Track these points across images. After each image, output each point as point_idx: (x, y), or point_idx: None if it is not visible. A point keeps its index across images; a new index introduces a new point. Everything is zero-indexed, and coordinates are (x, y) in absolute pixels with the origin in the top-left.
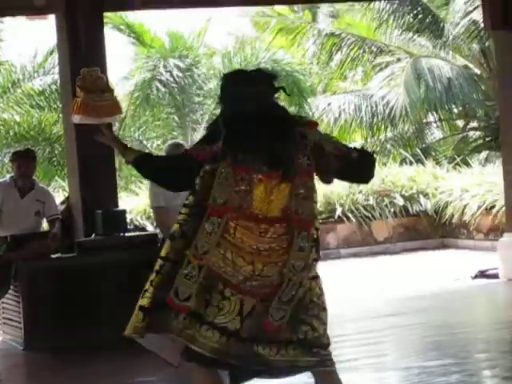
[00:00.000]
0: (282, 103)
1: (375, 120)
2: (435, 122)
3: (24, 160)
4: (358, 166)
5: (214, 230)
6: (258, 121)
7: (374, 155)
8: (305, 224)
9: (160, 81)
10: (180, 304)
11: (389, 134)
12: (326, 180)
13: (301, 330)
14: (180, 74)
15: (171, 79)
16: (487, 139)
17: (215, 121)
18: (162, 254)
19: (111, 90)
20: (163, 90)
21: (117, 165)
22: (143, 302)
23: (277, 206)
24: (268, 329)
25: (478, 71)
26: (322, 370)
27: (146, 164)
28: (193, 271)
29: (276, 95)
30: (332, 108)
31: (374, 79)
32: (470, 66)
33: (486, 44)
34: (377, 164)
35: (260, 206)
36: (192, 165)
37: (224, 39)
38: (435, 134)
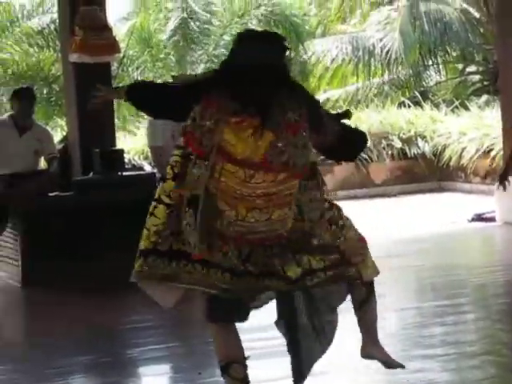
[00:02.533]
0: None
1: (372, 62)
2: (433, 65)
3: (24, 98)
4: (350, 147)
5: (202, 173)
6: (252, 69)
7: (367, 136)
8: (297, 174)
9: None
10: (194, 252)
11: (386, 77)
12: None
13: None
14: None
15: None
16: (485, 83)
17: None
18: (156, 196)
19: (110, 29)
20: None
21: (115, 105)
22: (142, 244)
23: (261, 152)
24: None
25: (477, 15)
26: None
27: (135, 94)
28: (190, 219)
29: (283, 57)
30: (329, 50)
31: (371, 21)
32: (470, 9)
33: None
34: (374, 108)
35: (245, 150)
36: (183, 103)
37: None
38: (433, 77)
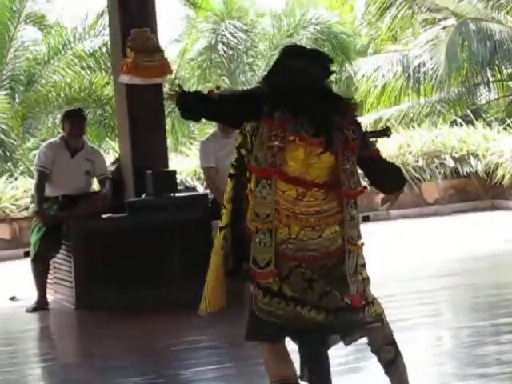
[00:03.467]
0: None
1: (422, 81)
2: (484, 83)
3: (74, 119)
4: (384, 177)
5: (268, 193)
6: (304, 91)
7: (401, 169)
8: (355, 194)
9: (223, 43)
10: (262, 272)
11: (438, 96)
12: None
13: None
14: (242, 36)
15: (235, 41)
16: None
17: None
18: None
19: (161, 51)
20: (230, 52)
21: (168, 126)
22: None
23: (316, 171)
24: (354, 303)
25: None
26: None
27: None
28: (265, 237)
29: (328, 78)
30: (379, 67)
31: (420, 40)
32: None
33: None
34: (427, 127)
35: (298, 169)
36: (238, 114)
37: (274, 0)
38: (486, 95)
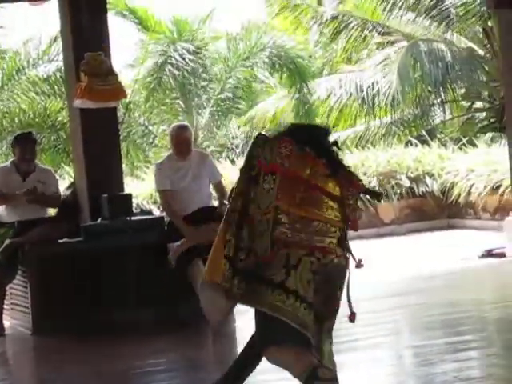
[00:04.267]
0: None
1: (376, 101)
2: (438, 104)
3: (25, 143)
4: None
5: (270, 187)
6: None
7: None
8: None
9: (172, 64)
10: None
11: (393, 117)
12: None
13: None
14: (192, 57)
15: (183, 62)
16: (492, 120)
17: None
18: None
19: (115, 74)
20: (176, 73)
21: (123, 150)
22: (228, 251)
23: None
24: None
25: (481, 52)
26: None
27: None
28: (264, 226)
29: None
30: (333, 89)
31: (374, 61)
32: (474, 47)
33: (489, 24)
34: (382, 147)
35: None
36: None
37: (229, 24)
38: (440, 115)
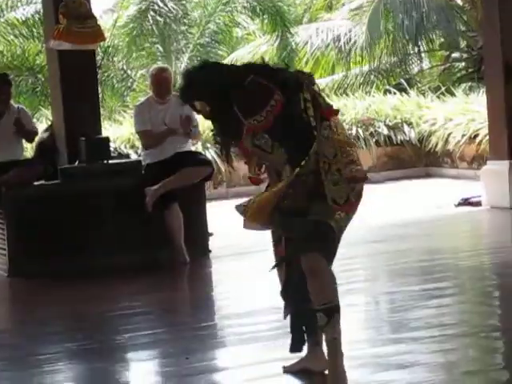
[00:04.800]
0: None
1: (353, 50)
2: (415, 53)
3: (0, 84)
4: None
5: (328, 134)
6: None
7: None
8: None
9: (155, 11)
10: (342, 207)
11: (371, 65)
12: None
13: None
14: (173, 3)
15: (166, 9)
16: (470, 70)
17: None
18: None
19: (94, 18)
20: (159, 19)
21: (101, 94)
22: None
23: None
24: None
25: (460, 2)
26: None
27: None
28: (335, 176)
29: None
30: (310, 37)
31: (349, 9)
32: None
33: None
34: (358, 95)
35: None
36: None
37: None
38: (419, 65)
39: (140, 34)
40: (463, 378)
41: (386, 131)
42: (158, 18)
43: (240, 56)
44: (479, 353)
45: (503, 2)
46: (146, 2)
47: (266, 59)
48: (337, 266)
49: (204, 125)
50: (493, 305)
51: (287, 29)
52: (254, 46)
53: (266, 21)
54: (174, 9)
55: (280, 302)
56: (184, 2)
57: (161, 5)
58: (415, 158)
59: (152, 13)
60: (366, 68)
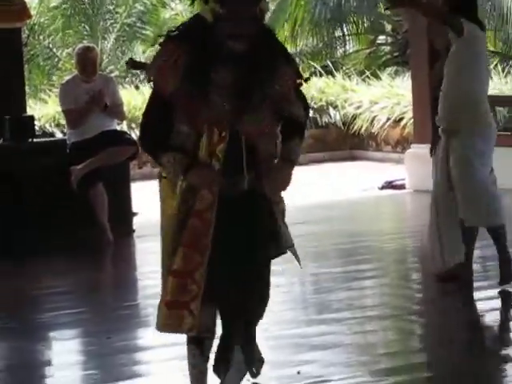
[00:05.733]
0: None
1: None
2: (339, 37)
3: None
4: None
5: None
6: None
7: None
8: None
9: None
10: None
11: (297, 48)
12: None
13: None
14: None
15: None
16: (395, 54)
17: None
18: None
19: None
20: None
21: (26, 72)
22: None
23: None
24: None
25: None
26: None
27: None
28: None
29: None
30: None
31: None
32: None
33: None
34: None
35: None
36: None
37: None
38: (344, 48)
39: (74, 14)
40: (382, 359)
41: (310, 113)
42: None
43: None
44: (398, 335)
45: None
46: None
47: None
48: None
49: (130, 104)
50: (412, 288)
51: None
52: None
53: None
54: None
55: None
56: None
57: None
58: (340, 141)
59: None
60: (292, 50)
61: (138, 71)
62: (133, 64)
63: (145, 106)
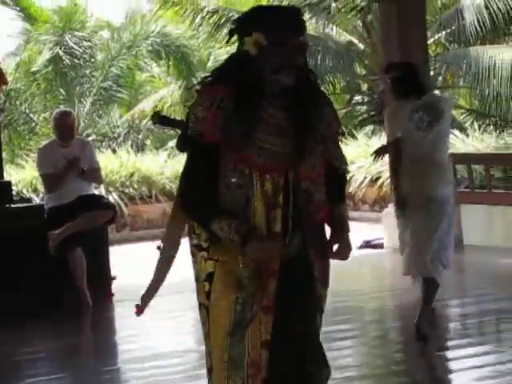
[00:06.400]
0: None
1: None
2: None
3: None
4: None
5: None
6: None
7: None
8: None
9: (70, 54)
10: None
11: None
12: None
13: None
14: (87, 45)
15: (81, 50)
16: (372, 113)
17: None
18: None
19: None
20: (76, 61)
21: (3, 138)
22: None
23: None
24: None
25: (361, 46)
26: None
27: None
28: None
29: None
30: None
31: None
32: (354, 40)
33: (369, 18)
34: None
35: None
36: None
37: (113, 13)
38: None
39: (56, 78)
40: None
41: None
42: (74, 60)
43: (143, 99)
44: None
45: (403, 46)
46: (59, 46)
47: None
48: None
49: (107, 168)
50: (392, 348)
51: (192, 73)
52: (158, 88)
53: (171, 63)
54: (87, 49)
55: (183, 345)
56: (91, 45)
57: (75, 47)
58: None
59: (67, 56)
60: None
61: (165, 129)
62: (160, 120)
63: (182, 168)
